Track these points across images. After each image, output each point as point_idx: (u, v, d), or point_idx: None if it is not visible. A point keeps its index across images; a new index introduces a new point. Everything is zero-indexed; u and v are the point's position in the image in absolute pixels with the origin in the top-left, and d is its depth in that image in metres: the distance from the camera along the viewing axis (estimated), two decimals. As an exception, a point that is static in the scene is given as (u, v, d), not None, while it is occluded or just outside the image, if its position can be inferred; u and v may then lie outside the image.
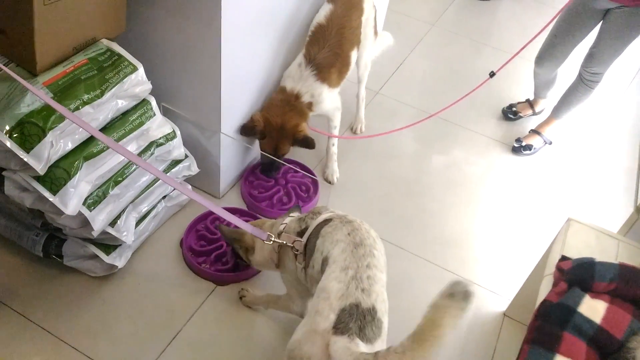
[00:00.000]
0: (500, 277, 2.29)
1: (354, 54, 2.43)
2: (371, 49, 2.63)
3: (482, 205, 2.62)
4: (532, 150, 2.90)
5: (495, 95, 3.21)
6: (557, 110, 2.83)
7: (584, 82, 2.61)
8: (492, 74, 2.37)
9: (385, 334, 1.34)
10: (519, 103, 3.13)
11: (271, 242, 1.65)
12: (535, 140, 2.91)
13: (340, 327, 1.28)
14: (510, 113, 3.10)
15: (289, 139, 2.26)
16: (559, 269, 1.57)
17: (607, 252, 1.66)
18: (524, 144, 2.90)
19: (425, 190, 2.62)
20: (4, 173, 1.65)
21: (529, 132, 2.96)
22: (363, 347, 1.26)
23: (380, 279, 1.42)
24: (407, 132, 2.76)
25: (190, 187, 2.29)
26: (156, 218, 2.13)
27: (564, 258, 1.60)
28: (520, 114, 3.09)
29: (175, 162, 2.12)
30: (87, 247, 1.91)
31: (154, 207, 2.09)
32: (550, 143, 2.94)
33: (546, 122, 2.91)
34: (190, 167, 2.19)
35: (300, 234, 1.64)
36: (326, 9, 2.31)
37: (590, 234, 1.72)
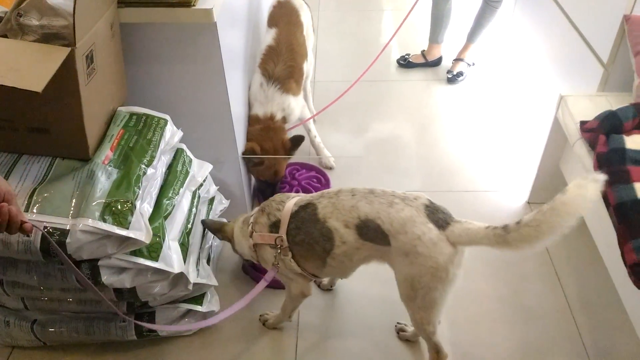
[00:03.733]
0: (509, 178, 2.62)
1: (305, 65, 2.61)
2: (312, 46, 2.85)
3: (457, 130, 2.95)
4: (464, 75, 3.29)
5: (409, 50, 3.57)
6: (471, 35, 3.23)
7: (489, 3, 3.02)
8: None
9: None
10: (413, 54, 3.47)
11: (276, 267, 1.71)
12: (461, 66, 3.30)
13: (440, 223, 1.46)
14: (402, 60, 3.45)
15: (285, 158, 2.38)
16: (586, 130, 1.89)
17: (604, 107, 2.01)
18: (454, 72, 3.28)
19: (407, 142, 2.88)
20: (99, 263, 1.62)
21: (452, 62, 3.34)
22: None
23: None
24: (361, 104, 3.03)
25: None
26: (215, 257, 2.17)
27: (583, 122, 1.93)
28: (411, 60, 3.44)
29: (211, 200, 2.17)
30: (180, 307, 1.91)
31: (212, 247, 2.13)
32: (474, 64, 3.35)
33: (464, 49, 3.30)
34: (222, 200, 2.25)
35: (273, 226, 1.69)
36: (272, 33, 2.49)
37: (584, 99, 2.07)
